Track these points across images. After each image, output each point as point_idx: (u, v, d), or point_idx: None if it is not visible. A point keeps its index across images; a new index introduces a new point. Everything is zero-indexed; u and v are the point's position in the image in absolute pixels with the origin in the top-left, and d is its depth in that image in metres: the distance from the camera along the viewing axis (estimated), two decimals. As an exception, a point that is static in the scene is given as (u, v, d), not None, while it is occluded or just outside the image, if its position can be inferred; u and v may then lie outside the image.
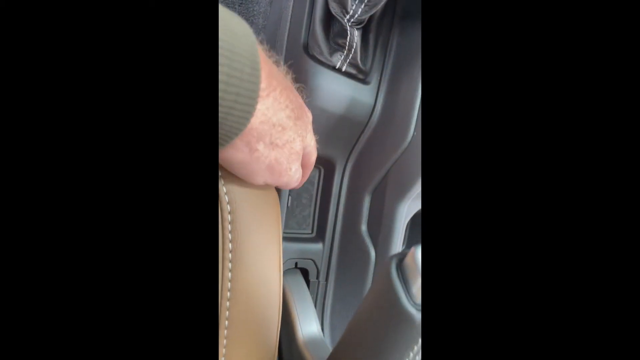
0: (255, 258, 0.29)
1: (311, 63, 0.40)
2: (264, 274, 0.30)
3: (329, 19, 0.40)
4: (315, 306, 0.49)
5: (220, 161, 0.27)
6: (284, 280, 0.39)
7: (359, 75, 0.43)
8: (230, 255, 0.28)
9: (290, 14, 0.41)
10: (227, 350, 0.28)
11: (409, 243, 0.54)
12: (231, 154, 0.26)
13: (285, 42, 0.41)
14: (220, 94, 0.22)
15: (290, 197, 0.47)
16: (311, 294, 0.49)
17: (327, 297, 0.51)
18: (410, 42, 0.42)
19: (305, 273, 0.50)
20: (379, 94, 0.44)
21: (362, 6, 0.37)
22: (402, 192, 0.43)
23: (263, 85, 0.25)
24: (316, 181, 0.49)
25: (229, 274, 0.28)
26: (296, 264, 0.49)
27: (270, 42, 0.43)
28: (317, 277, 0.51)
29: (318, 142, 0.39)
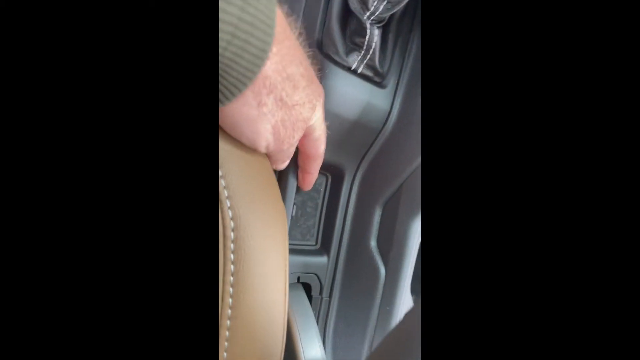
0: (259, 282, 0.26)
1: (325, 62, 0.37)
2: (268, 301, 0.26)
3: (346, 16, 0.37)
4: (317, 323, 0.46)
5: (222, 121, 0.24)
6: None
7: (375, 78, 0.40)
8: (232, 278, 0.24)
9: (303, 8, 0.37)
10: None
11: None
12: (238, 109, 0.23)
13: None
14: (231, 29, 0.19)
15: (295, 206, 0.44)
16: (313, 310, 0.46)
17: (330, 315, 0.48)
18: None
19: (307, 288, 0.47)
20: (396, 99, 0.41)
21: (385, 3, 0.34)
22: (417, 208, 0.40)
23: (278, 28, 0.21)
24: (322, 189, 0.46)
25: (230, 300, 0.24)
26: (298, 278, 0.45)
27: None
28: (320, 293, 0.47)
29: (327, 146, 0.36)
